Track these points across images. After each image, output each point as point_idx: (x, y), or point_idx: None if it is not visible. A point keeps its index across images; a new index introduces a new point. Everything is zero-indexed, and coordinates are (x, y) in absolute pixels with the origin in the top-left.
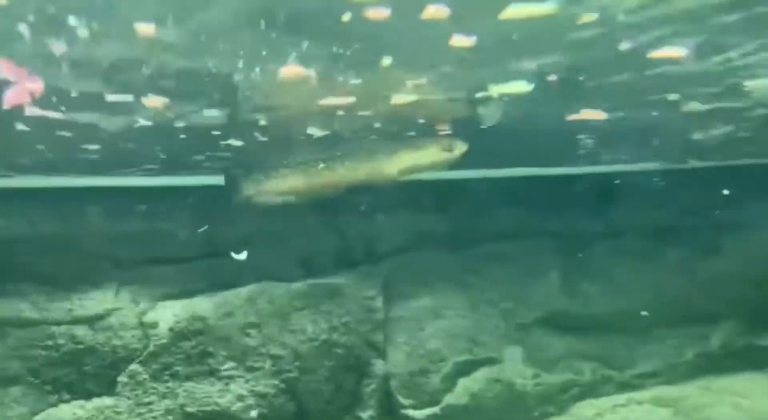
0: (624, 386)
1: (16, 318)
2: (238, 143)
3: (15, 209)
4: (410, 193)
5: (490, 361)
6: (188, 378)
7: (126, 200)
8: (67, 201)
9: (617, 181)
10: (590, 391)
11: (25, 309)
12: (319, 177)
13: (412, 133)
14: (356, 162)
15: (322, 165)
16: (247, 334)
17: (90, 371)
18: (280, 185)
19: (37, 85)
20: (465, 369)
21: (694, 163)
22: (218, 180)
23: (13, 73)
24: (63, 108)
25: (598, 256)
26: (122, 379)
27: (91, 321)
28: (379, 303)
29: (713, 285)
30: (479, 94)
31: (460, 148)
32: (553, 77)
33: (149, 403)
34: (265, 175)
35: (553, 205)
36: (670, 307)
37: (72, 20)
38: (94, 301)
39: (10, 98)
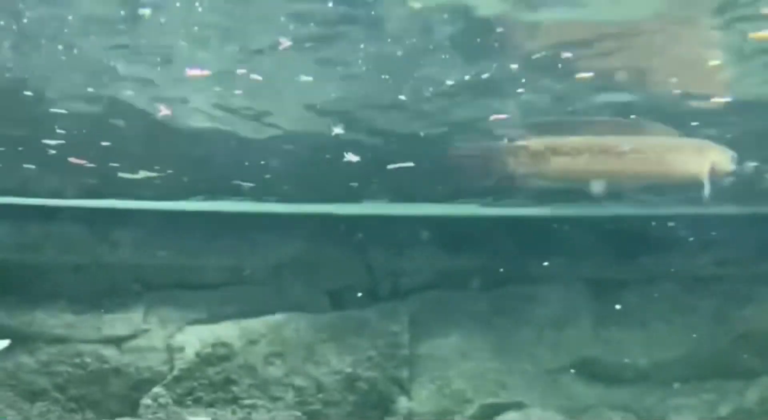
0: None
1: (46, 334)
2: None
3: (50, 230)
4: (440, 230)
5: (516, 406)
6: (210, 404)
7: (160, 224)
8: (101, 223)
9: (653, 227)
10: None
11: (55, 326)
12: (611, 162)
13: None
14: (662, 153)
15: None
16: (271, 363)
17: (114, 391)
18: (565, 164)
19: None
20: (490, 412)
21: (728, 210)
22: (251, 206)
23: None
24: None
25: (631, 303)
26: (145, 401)
27: (119, 342)
28: (404, 339)
29: (750, 338)
30: None
31: None
32: None
33: None
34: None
35: (587, 249)
36: (704, 359)
37: None
38: (123, 323)
39: None
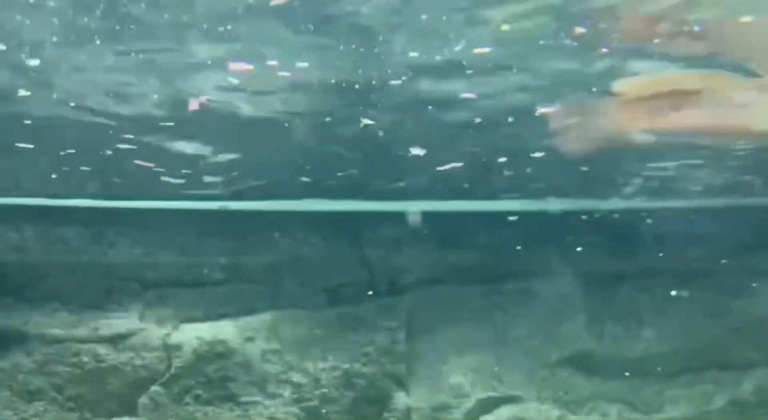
0: None
1: (43, 335)
2: None
3: (46, 229)
4: (437, 226)
5: (513, 400)
6: (208, 402)
7: (156, 222)
8: (98, 222)
9: (648, 220)
10: None
11: (52, 326)
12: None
13: None
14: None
15: None
16: (269, 361)
17: (112, 390)
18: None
19: None
20: (488, 406)
21: (725, 202)
22: (248, 204)
23: None
24: None
25: (627, 297)
26: (143, 400)
27: (116, 340)
28: (402, 335)
29: (745, 330)
30: None
31: None
32: None
33: None
34: None
35: (582, 243)
36: (700, 352)
37: None
38: (119, 321)
39: None
